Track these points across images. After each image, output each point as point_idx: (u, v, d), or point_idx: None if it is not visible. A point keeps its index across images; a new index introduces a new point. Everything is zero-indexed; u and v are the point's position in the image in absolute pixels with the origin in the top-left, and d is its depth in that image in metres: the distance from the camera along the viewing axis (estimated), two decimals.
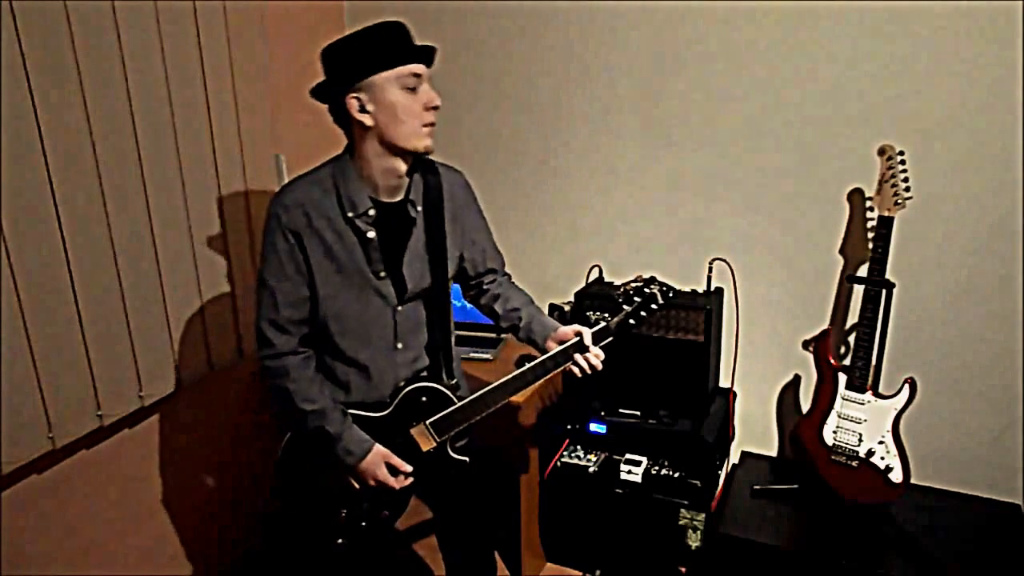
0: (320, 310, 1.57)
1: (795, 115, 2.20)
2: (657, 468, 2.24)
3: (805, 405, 2.38)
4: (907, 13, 2.01)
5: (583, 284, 2.42)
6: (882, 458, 2.05)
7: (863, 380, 2.05)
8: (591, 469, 2.28)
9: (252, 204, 2.26)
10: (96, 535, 1.97)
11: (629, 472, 2.22)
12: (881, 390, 2.06)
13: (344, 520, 1.66)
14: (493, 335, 2.55)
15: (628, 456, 2.28)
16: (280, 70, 2.38)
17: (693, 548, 2.18)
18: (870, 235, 2.15)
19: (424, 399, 1.64)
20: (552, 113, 2.51)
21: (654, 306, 1.63)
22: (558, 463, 2.33)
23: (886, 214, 1.98)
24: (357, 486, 1.64)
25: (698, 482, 2.17)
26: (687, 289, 2.31)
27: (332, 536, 1.67)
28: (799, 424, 2.20)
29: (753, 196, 2.31)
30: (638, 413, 2.29)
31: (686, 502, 2.15)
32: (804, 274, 2.30)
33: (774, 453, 2.51)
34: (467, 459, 1.69)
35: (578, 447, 2.37)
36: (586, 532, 2.34)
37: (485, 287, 1.80)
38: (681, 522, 2.17)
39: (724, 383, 2.46)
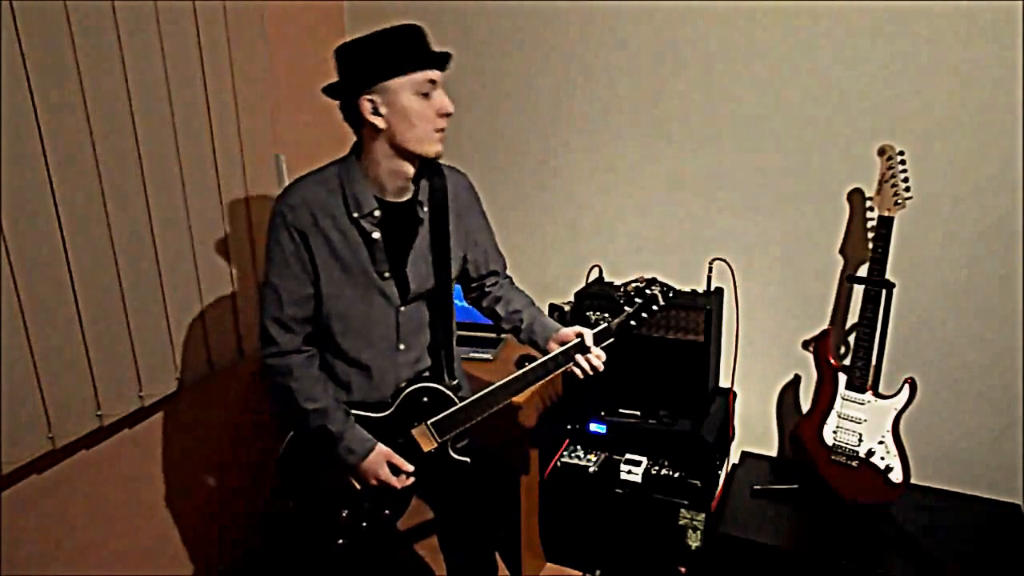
0: (324, 309, 1.57)
1: (795, 115, 2.20)
2: (657, 468, 2.24)
3: (805, 405, 2.38)
4: (907, 13, 2.01)
5: (583, 284, 2.42)
6: (882, 458, 2.05)
7: (863, 380, 2.05)
8: (591, 469, 2.28)
9: (252, 204, 2.26)
10: (96, 535, 1.97)
11: (629, 472, 2.22)
12: (881, 390, 2.06)
13: (345, 520, 1.66)
14: (493, 335, 2.55)
15: (628, 456, 2.28)
16: (280, 70, 2.38)
17: (693, 548, 2.18)
18: (870, 235, 2.15)
19: (426, 399, 1.64)
20: (552, 113, 2.51)
21: (655, 307, 1.63)
22: (558, 463, 2.33)
23: (886, 214, 1.98)
24: (358, 486, 1.64)
25: (698, 482, 2.17)
26: (687, 289, 2.31)
27: (333, 536, 1.67)
28: (799, 424, 2.20)
29: (753, 196, 2.31)
30: (638, 413, 2.29)
31: (686, 502, 2.15)
32: (804, 274, 2.30)
33: (774, 453, 2.51)
34: (468, 460, 1.69)
35: (578, 447, 2.37)
36: (586, 532, 2.34)
37: (487, 289, 1.80)
38: (681, 522, 2.17)
39: (724, 383, 2.46)
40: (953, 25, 1.97)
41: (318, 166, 1.59)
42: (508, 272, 1.86)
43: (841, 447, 2.10)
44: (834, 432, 2.11)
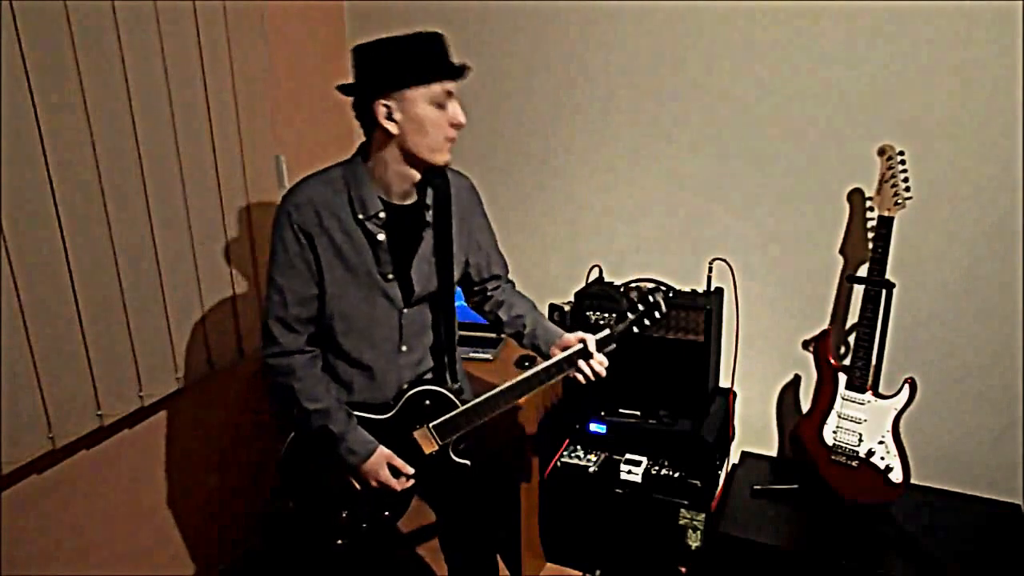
0: (327, 309, 1.57)
1: (795, 115, 2.20)
2: (657, 468, 2.24)
3: (805, 405, 2.38)
4: (907, 13, 2.01)
5: (583, 284, 2.42)
6: (882, 458, 2.05)
7: (863, 380, 2.05)
8: (591, 469, 2.28)
9: (252, 204, 2.26)
10: (96, 535, 1.96)
11: (629, 472, 2.22)
12: (881, 390, 2.06)
13: (345, 520, 1.66)
14: (493, 335, 2.55)
15: (628, 456, 2.28)
16: (280, 70, 2.38)
17: (693, 548, 2.18)
18: (870, 235, 2.15)
19: (428, 402, 1.64)
20: (552, 113, 2.51)
21: (658, 314, 1.65)
22: (558, 463, 2.33)
23: (886, 214, 1.98)
24: (358, 487, 1.64)
25: (698, 482, 2.17)
26: (687, 289, 2.31)
27: (332, 536, 1.67)
28: (799, 424, 2.20)
29: (753, 196, 2.31)
30: (638, 413, 2.29)
31: (686, 502, 2.15)
32: (804, 274, 2.31)
33: (774, 453, 2.51)
34: (468, 463, 1.69)
35: (578, 447, 2.37)
36: (586, 532, 2.34)
37: (489, 293, 1.81)
38: (681, 522, 2.17)
39: (724, 383, 2.46)
40: (953, 25, 1.97)
41: (318, 166, 1.59)
42: (510, 275, 1.86)
43: (841, 447, 2.10)
44: (834, 432, 2.11)
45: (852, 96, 2.12)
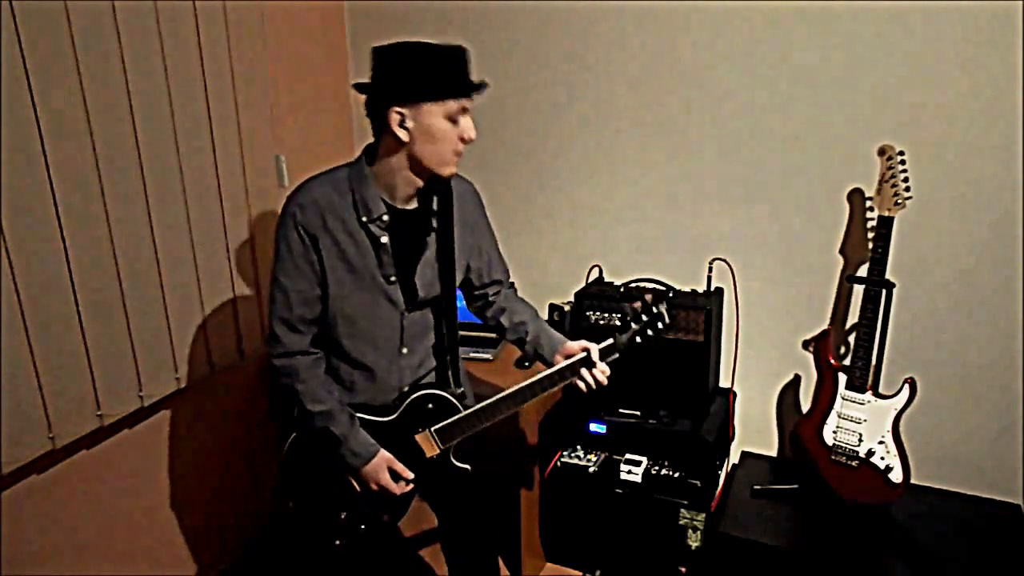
0: (330, 310, 1.58)
1: (795, 115, 2.20)
2: (657, 468, 2.24)
3: (805, 405, 2.38)
4: (907, 13, 2.01)
5: (583, 284, 2.42)
6: (882, 458, 2.05)
7: (863, 380, 2.05)
8: (591, 469, 2.28)
9: (252, 204, 2.26)
10: (96, 535, 1.96)
11: (629, 472, 2.22)
12: (881, 390, 2.06)
13: (343, 521, 1.67)
14: (493, 335, 2.54)
15: (628, 456, 2.28)
16: (280, 70, 2.38)
17: (693, 548, 2.18)
18: (870, 235, 2.15)
19: (430, 406, 1.65)
20: (553, 113, 2.51)
21: (661, 325, 1.66)
22: (558, 463, 2.33)
23: (886, 214, 1.98)
24: (358, 488, 1.64)
25: (698, 482, 2.17)
26: (687, 289, 2.31)
27: (331, 537, 1.67)
28: (799, 424, 2.20)
29: (753, 196, 2.31)
30: (638, 413, 2.29)
31: (686, 502, 2.15)
32: (804, 274, 2.30)
33: (774, 453, 2.51)
34: (468, 467, 1.69)
35: (578, 447, 2.37)
36: (586, 532, 2.34)
37: (490, 298, 1.81)
38: (681, 522, 2.17)
39: (724, 383, 2.46)
40: (953, 25, 1.97)
41: (318, 166, 1.59)
42: (511, 279, 1.87)
43: (841, 447, 2.10)
44: (834, 432, 2.11)
45: (852, 96, 2.12)
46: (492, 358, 2.42)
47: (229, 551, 2.43)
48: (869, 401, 2.05)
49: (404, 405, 1.64)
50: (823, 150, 2.19)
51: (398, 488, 1.63)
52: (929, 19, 1.99)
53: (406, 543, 2.52)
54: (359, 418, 1.62)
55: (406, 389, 1.67)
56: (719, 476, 2.35)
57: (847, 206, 2.20)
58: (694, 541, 2.17)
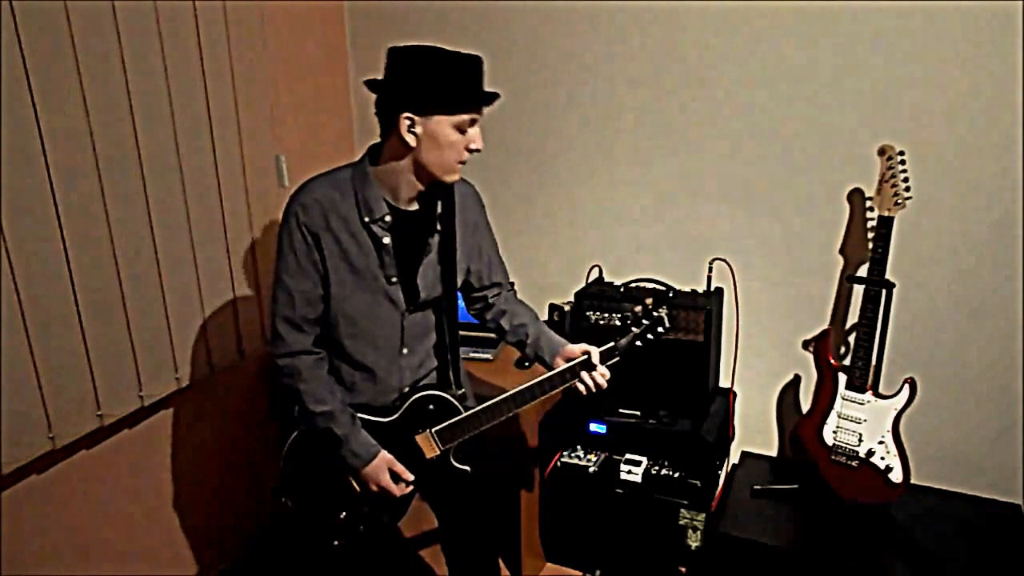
0: (331, 310, 1.58)
1: (795, 115, 2.20)
2: (657, 468, 2.24)
3: (805, 405, 2.38)
4: (907, 13, 2.01)
5: (583, 284, 2.42)
6: (882, 458, 2.05)
7: (863, 380, 2.05)
8: (591, 469, 2.28)
9: (252, 204, 2.25)
10: (96, 535, 1.96)
11: (629, 472, 2.22)
12: (881, 390, 2.06)
13: (342, 521, 1.67)
14: (493, 335, 2.54)
15: (628, 456, 2.28)
16: (280, 70, 2.38)
17: (693, 548, 2.18)
18: (870, 235, 2.15)
19: (431, 407, 1.65)
20: (553, 113, 2.51)
21: (661, 329, 1.68)
22: (558, 463, 2.33)
23: (886, 214, 1.98)
24: (358, 489, 1.64)
25: (698, 482, 2.17)
26: (687, 289, 2.31)
27: (330, 537, 1.67)
28: (799, 424, 2.20)
29: (753, 196, 2.31)
30: (638, 413, 2.29)
31: (686, 502, 2.15)
32: (804, 274, 2.30)
33: (774, 453, 2.51)
34: (468, 468, 1.69)
35: (578, 447, 2.37)
36: (586, 532, 2.34)
37: (491, 301, 1.81)
38: (681, 522, 2.17)
39: (724, 383, 2.46)
40: (953, 25, 1.97)
41: (318, 166, 1.59)
42: (511, 281, 1.87)
43: (841, 447, 2.10)
44: (834, 432, 2.11)
45: (852, 96, 2.12)
46: (492, 358, 2.42)
47: (229, 551, 2.43)
48: (869, 401, 2.05)
49: (405, 406, 1.64)
50: (823, 150, 2.19)
51: (398, 489, 1.63)
52: (929, 19, 1.99)
53: (406, 543, 2.52)
54: (360, 418, 1.62)
55: (406, 390, 1.67)
56: (719, 476, 2.35)
57: (847, 206, 2.20)
58: (694, 541, 2.17)
